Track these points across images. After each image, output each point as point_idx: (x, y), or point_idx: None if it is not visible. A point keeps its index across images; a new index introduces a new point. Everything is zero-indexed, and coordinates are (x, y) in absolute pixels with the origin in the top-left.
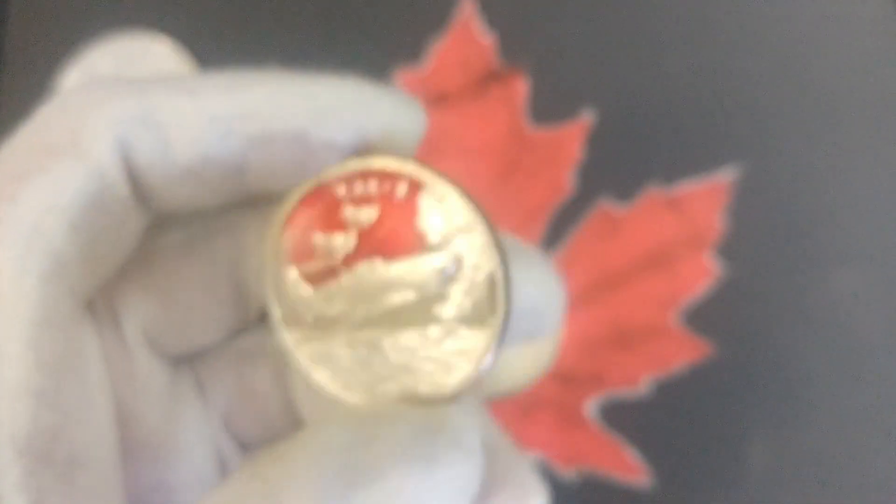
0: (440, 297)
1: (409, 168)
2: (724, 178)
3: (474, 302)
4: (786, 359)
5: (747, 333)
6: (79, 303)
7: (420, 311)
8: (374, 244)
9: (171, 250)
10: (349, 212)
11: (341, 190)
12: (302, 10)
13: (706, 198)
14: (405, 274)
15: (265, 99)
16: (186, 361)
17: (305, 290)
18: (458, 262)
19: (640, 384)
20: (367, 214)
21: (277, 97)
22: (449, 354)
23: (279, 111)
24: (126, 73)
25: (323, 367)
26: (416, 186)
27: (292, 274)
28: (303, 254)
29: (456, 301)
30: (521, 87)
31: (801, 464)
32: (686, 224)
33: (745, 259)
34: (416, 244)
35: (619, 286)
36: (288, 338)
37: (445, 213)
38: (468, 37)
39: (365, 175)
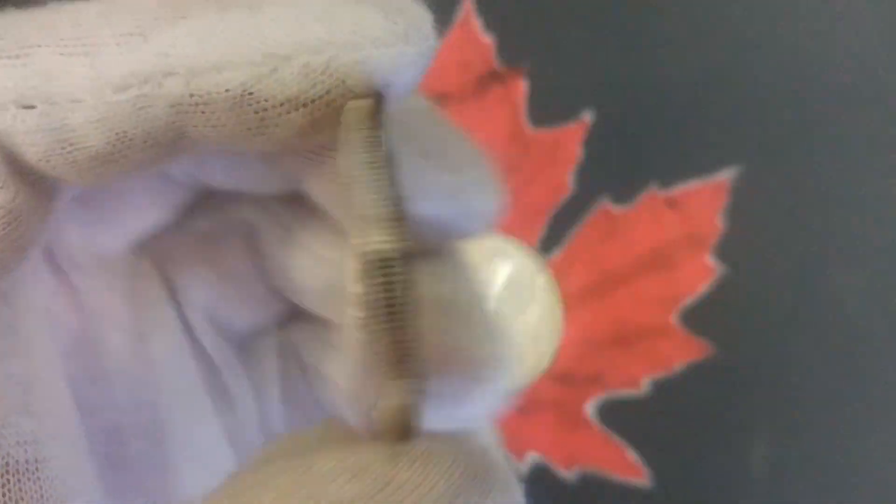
0: None
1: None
2: (723, 178)
3: None
4: (786, 359)
5: (747, 333)
6: None
7: None
8: None
9: None
10: None
11: None
12: None
13: (706, 198)
14: None
15: (189, 45)
16: (154, 268)
17: None
18: None
19: (640, 384)
20: None
21: (206, 40)
22: None
23: (208, 61)
24: None
25: None
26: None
27: None
28: None
29: None
30: (520, 88)
31: (801, 464)
32: (686, 224)
33: (744, 259)
34: None
35: (619, 286)
36: None
37: None
38: (467, 37)
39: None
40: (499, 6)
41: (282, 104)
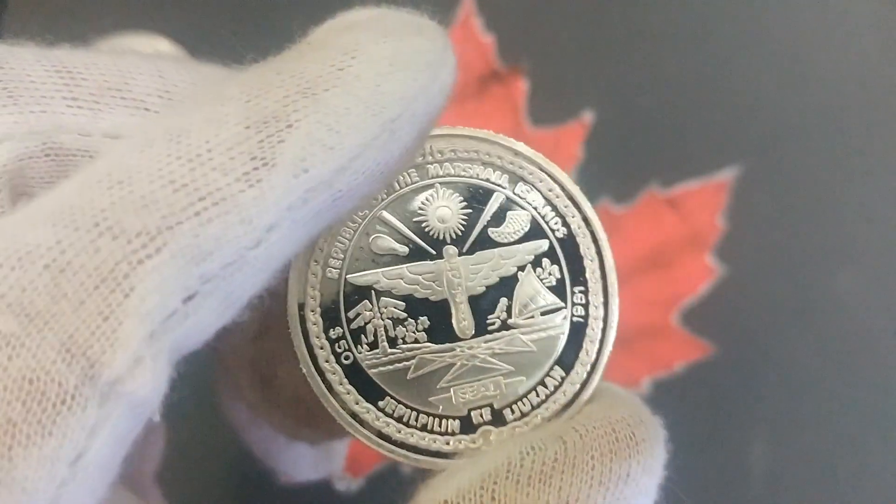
0: None
1: None
2: (723, 178)
3: None
4: (786, 359)
5: (747, 333)
6: None
7: None
8: None
9: None
10: None
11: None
12: (300, 12)
13: (706, 198)
14: None
15: (319, 152)
16: None
17: None
18: None
19: (640, 384)
20: None
21: (331, 139)
22: None
23: (345, 159)
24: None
25: None
26: None
27: None
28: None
29: None
30: (521, 87)
31: (801, 464)
32: (686, 224)
33: (744, 259)
34: None
35: (619, 286)
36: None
37: None
38: (468, 37)
39: None
40: (499, 6)
41: (399, 156)
